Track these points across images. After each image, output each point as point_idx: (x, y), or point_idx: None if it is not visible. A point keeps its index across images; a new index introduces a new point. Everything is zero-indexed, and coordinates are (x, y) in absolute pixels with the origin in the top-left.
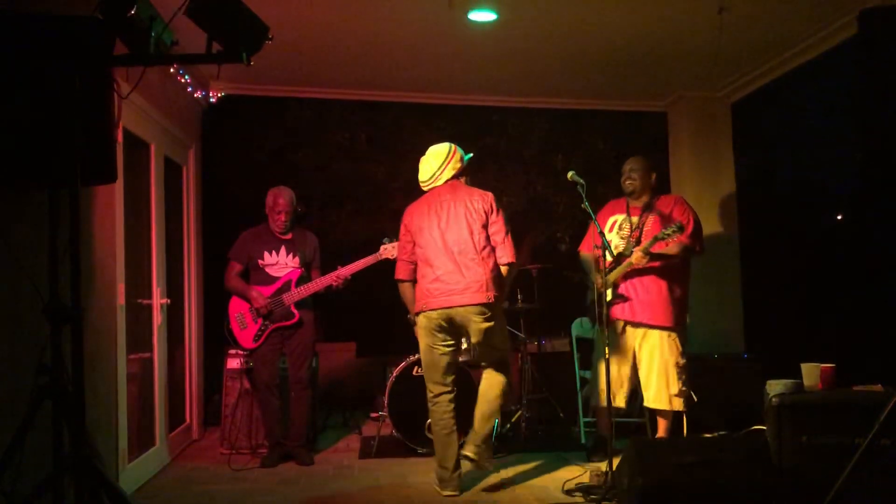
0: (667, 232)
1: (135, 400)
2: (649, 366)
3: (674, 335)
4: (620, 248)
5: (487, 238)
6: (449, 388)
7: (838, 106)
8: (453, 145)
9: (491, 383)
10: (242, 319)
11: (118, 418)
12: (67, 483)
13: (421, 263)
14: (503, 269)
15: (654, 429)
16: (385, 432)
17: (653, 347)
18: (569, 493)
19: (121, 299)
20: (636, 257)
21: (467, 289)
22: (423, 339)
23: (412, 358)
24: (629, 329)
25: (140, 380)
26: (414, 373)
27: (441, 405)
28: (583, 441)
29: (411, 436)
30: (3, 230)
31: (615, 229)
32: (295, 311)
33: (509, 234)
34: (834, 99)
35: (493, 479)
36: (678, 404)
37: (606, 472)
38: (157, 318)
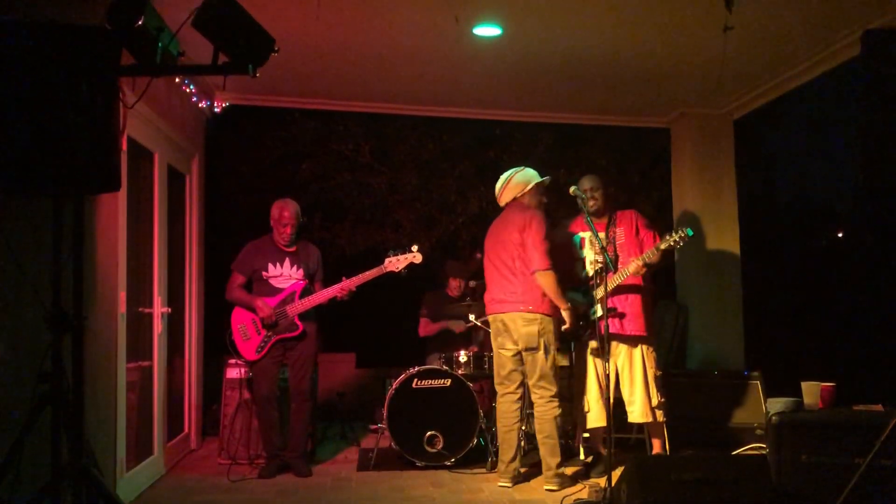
0: (675, 238)
1: (134, 408)
2: (632, 380)
3: (651, 347)
4: (598, 265)
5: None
6: (511, 391)
7: (840, 124)
8: (517, 171)
9: (543, 412)
10: (245, 331)
11: (117, 427)
12: (65, 491)
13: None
14: (538, 278)
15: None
16: (384, 445)
17: (635, 361)
18: None
19: (122, 307)
20: (635, 267)
21: (505, 300)
22: (492, 342)
23: (412, 370)
24: (612, 344)
25: (139, 388)
26: (413, 385)
27: (504, 405)
28: (581, 457)
29: (410, 448)
30: (7, 237)
31: (587, 245)
32: (299, 323)
33: (542, 244)
34: (836, 118)
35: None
36: (660, 416)
37: (605, 489)
38: (158, 327)
